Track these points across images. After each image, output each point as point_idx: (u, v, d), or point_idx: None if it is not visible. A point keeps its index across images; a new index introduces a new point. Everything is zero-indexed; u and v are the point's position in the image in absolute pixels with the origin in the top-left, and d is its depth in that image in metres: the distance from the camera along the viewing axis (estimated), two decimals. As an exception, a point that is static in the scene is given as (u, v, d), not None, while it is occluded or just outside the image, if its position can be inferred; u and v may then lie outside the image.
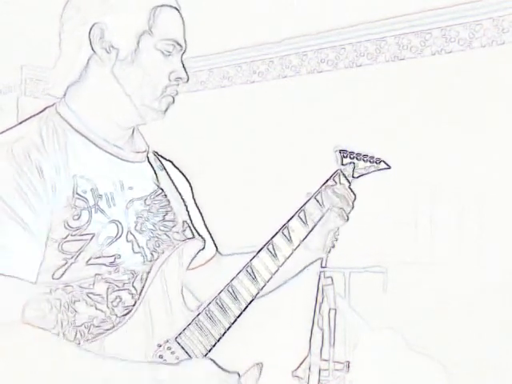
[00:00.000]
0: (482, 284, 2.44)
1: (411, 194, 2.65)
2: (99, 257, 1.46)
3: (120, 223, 1.49)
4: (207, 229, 1.73)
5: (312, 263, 1.72)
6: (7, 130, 1.49)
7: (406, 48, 2.72)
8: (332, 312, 1.64)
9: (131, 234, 1.51)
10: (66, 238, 1.44)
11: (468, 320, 2.43)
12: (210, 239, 1.73)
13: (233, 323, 1.54)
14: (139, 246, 1.51)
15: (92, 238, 1.45)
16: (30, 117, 1.53)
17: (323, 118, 2.76)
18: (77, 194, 1.46)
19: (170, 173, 1.68)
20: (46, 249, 1.43)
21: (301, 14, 2.79)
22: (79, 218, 1.45)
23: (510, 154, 2.47)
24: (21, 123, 1.51)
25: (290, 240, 1.60)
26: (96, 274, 1.46)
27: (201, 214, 1.73)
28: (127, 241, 1.50)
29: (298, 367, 1.66)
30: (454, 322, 2.46)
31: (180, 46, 1.54)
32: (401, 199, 2.65)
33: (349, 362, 1.67)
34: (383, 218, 2.65)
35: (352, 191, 1.69)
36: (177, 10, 1.55)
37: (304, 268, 1.72)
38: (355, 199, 1.68)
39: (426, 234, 2.67)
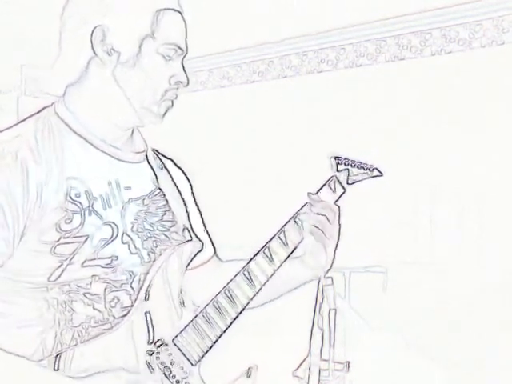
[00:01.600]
0: (482, 284, 2.44)
1: (411, 194, 2.65)
2: (94, 259, 1.45)
3: (115, 225, 1.48)
4: (206, 229, 1.72)
5: (310, 281, 1.70)
6: (4, 129, 1.49)
7: (406, 48, 2.72)
8: (332, 312, 1.64)
9: (127, 235, 1.50)
10: (58, 240, 1.43)
11: (468, 320, 2.43)
12: (209, 240, 1.72)
13: (229, 326, 1.54)
14: (136, 247, 1.50)
15: (86, 241, 1.44)
16: (28, 116, 1.53)
17: (323, 118, 2.76)
18: (69, 197, 1.45)
19: (170, 171, 1.67)
20: (37, 253, 1.43)
21: (301, 14, 2.79)
22: (71, 221, 1.44)
23: (509, 154, 2.47)
24: (18, 123, 1.51)
25: (285, 244, 1.61)
26: (93, 275, 1.45)
27: (200, 214, 1.72)
28: (123, 242, 1.49)
29: (298, 367, 1.65)
30: (454, 322, 2.46)
31: (181, 50, 1.52)
32: (401, 199, 2.65)
33: (349, 362, 1.67)
34: (383, 219, 2.65)
35: (337, 205, 1.67)
36: (179, 13, 1.54)
37: (302, 285, 1.71)
38: (340, 213, 1.67)
39: (425, 233, 2.68)
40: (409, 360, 2.47)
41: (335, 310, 1.64)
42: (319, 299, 1.65)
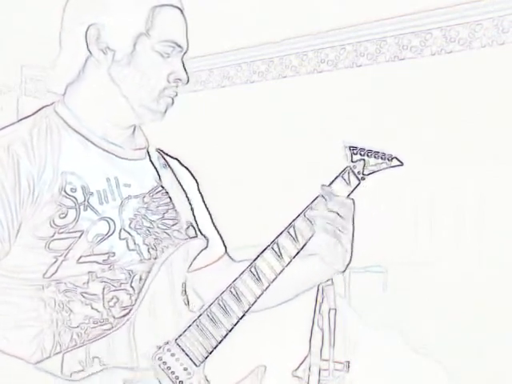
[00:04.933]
0: (482, 284, 2.44)
1: (411, 194, 2.65)
2: (90, 254, 1.44)
3: (112, 220, 1.47)
4: (215, 227, 1.70)
5: (330, 279, 1.66)
6: (4, 127, 1.49)
7: (406, 48, 2.72)
8: (332, 312, 1.64)
9: (125, 231, 1.48)
10: (53, 236, 1.42)
11: (468, 320, 2.43)
12: (219, 238, 1.70)
13: (235, 325, 1.51)
14: (135, 244, 1.49)
15: (81, 236, 1.44)
16: (28, 116, 1.53)
17: (323, 119, 2.76)
18: (64, 192, 1.44)
19: (175, 170, 1.66)
20: (31, 249, 1.42)
21: (301, 14, 2.80)
22: (66, 216, 1.43)
23: (509, 154, 2.47)
24: (17, 122, 1.51)
25: (295, 239, 1.57)
26: (89, 272, 1.44)
27: (209, 212, 1.70)
28: (120, 238, 1.47)
29: (298, 367, 1.65)
30: (454, 322, 2.46)
31: (180, 47, 1.50)
32: (401, 199, 2.65)
33: (349, 362, 1.66)
34: (383, 218, 2.65)
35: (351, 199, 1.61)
36: (179, 9, 1.53)
37: (323, 282, 1.67)
38: (354, 207, 1.61)
39: (425, 233, 2.68)
40: (408, 360, 2.47)
41: (335, 309, 1.63)
42: (319, 299, 1.64)
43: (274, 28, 2.85)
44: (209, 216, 1.69)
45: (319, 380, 1.63)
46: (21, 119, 1.52)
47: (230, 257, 1.71)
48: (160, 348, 1.47)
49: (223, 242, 1.70)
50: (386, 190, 2.44)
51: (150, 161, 1.59)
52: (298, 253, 1.57)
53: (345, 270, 1.64)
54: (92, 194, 1.47)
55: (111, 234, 1.47)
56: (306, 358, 1.63)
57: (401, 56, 2.73)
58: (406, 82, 2.65)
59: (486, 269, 2.47)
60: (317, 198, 1.59)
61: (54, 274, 1.43)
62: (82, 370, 1.41)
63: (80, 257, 1.44)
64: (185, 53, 1.54)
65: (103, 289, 1.45)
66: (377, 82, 2.71)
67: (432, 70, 2.65)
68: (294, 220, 1.58)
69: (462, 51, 2.61)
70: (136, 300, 1.47)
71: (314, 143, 2.72)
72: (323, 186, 1.59)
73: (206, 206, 1.69)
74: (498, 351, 2.37)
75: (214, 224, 1.69)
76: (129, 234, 1.49)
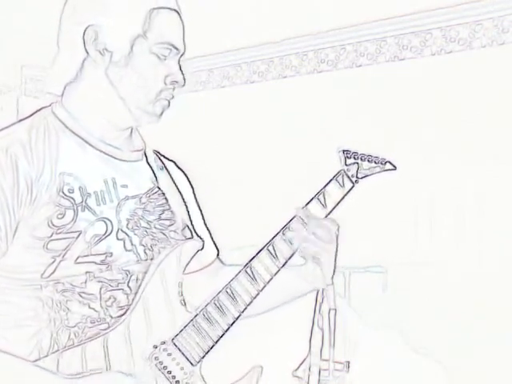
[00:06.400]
0: (482, 284, 2.44)
1: (411, 194, 2.65)
2: (88, 255, 1.44)
3: (109, 221, 1.47)
4: (209, 231, 1.71)
5: (311, 292, 1.67)
6: (1, 129, 1.50)
7: (406, 48, 2.72)
8: (332, 312, 1.64)
9: (123, 231, 1.49)
10: (51, 236, 1.43)
11: (468, 320, 2.43)
12: (212, 243, 1.71)
13: (231, 325, 1.52)
14: (132, 244, 1.49)
15: (79, 236, 1.44)
16: (27, 117, 1.53)
17: (323, 119, 2.76)
18: (62, 192, 1.45)
19: (171, 173, 1.66)
20: (30, 249, 1.43)
21: (301, 14, 2.80)
22: (63, 216, 1.44)
23: (509, 154, 2.47)
24: (16, 123, 1.51)
25: (290, 241, 1.58)
26: (87, 272, 1.45)
27: (202, 215, 1.71)
28: (118, 239, 1.48)
29: (298, 367, 1.65)
30: (454, 322, 2.46)
31: (177, 49, 1.51)
32: (401, 199, 2.65)
33: (349, 362, 1.66)
34: (383, 218, 2.65)
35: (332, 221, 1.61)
36: (176, 11, 1.53)
37: (304, 295, 1.67)
38: (338, 229, 1.61)
39: (425, 234, 2.68)
40: (408, 360, 2.47)
41: (335, 310, 1.64)
42: (319, 299, 1.64)
43: (274, 28, 2.85)
44: (202, 221, 1.70)
45: (319, 380, 1.63)
46: (19, 120, 1.52)
47: (221, 261, 1.72)
48: (156, 348, 1.47)
49: (216, 246, 1.71)
50: (385, 191, 2.44)
51: (147, 162, 1.60)
52: (293, 254, 1.58)
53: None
54: (90, 194, 1.48)
55: (109, 235, 1.47)
56: (306, 358, 1.63)
57: (401, 56, 2.73)
58: (406, 82, 2.65)
59: (485, 269, 2.47)
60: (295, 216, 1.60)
61: (51, 274, 1.43)
62: (81, 372, 1.41)
63: (78, 257, 1.44)
64: (182, 55, 1.54)
65: (100, 288, 1.46)
66: (377, 82, 2.71)
67: (432, 70, 2.65)
68: (289, 221, 1.59)
69: (461, 51, 2.61)
70: (133, 300, 1.48)
71: (314, 143, 2.72)
72: (298, 208, 1.60)
73: (200, 210, 1.70)
74: (497, 351, 2.37)
75: (207, 228, 1.70)
76: (126, 234, 1.50)
